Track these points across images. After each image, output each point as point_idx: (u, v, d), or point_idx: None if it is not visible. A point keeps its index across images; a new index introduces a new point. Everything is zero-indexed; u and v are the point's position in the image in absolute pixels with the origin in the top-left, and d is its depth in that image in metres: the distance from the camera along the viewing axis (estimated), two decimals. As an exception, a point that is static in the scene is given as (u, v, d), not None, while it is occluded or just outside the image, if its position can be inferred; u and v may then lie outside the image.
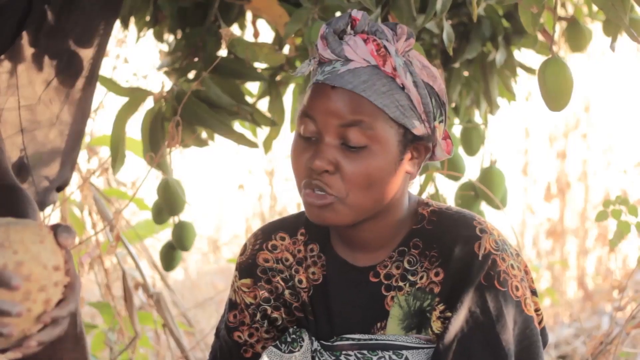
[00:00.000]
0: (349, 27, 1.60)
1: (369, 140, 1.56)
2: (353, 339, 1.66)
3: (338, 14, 2.46)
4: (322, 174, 1.57)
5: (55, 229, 1.41)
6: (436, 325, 1.63)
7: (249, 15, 2.85)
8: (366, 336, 1.66)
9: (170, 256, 2.89)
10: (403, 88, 1.58)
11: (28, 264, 1.36)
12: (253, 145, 2.60)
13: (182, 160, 4.24)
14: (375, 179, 1.57)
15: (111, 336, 3.24)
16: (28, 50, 2.11)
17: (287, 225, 1.76)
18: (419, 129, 1.59)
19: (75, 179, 3.34)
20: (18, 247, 1.36)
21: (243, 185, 5.85)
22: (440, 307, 1.63)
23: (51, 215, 2.96)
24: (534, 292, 1.67)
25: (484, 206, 2.86)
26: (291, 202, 5.88)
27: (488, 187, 2.73)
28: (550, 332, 4.60)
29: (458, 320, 1.60)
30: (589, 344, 2.49)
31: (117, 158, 2.57)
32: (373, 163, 1.57)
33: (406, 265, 1.66)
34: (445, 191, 2.78)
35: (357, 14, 1.60)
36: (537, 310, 1.66)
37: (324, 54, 1.59)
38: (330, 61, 1.59)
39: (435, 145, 1.64)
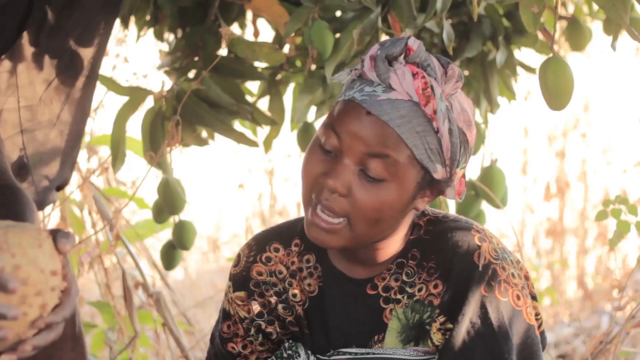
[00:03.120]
0: (402, 57, 1.55)
1: (389, 175, 1.52)
2: (350, 353, 1.65)
3: (338, 13, 2.46)
4: (332, 194, 1.53)
5: (54, 234, 1.41)
6: (437, 337, 1.62)
7: (249, 14, 2.85)
8: (363, 350, 1.65)
9: (170, 255, 2.89)
10: (437, 131, 1.54)
11: (25, 267, 1.35)
12: (253, 144, 2.60)
13: (182, 159, 4.24)
14: (385, 214, 1.54)
15: (111, 335, 3.24)
16: (28, 50, 2.11)
17: (282, 235, 1.73)
18: (439, 173, 1.56)
19: (75, 179, 3.34)
20: (16, 251, 1.36)
21: (243, 184, 5.85)
22: (441, 318, 1.61)
23: (51, 214, 2.96)
24: (534, 297, 1.66)
25: (484, 205, 2.86)
26: (291, 202, 5.88)
27: (488, 186, 2.73)
28: (550, 331, 4.60)
29: (459, 332, 1.59)
30: (589, 344, 2.49)
31: (117, 157, 2.56)
32: (387, 198, 1.53)
33: (404, 277, 1.64)
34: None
35: (413, 43, 1.55)
36: (537, 315, 1.66)
37: (368, 74, 1.55)
38: (371, 81, 1.55)
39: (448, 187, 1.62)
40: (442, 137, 1.53)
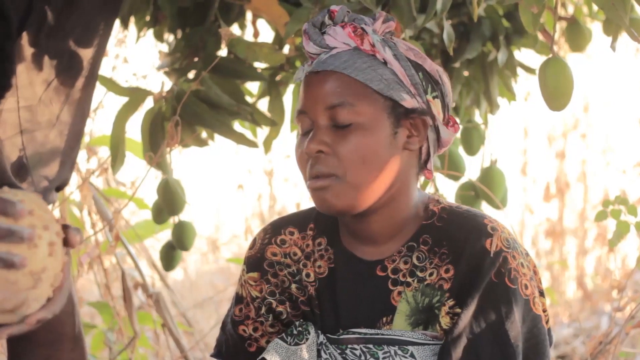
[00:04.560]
0: (327, 19, 1.65)
1: (356, 116, 1.59)
2: (359, 333, 1.67)
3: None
4: (318, 157, 1.60)
5: (65, 227, 1.39)
6: (445, 321, 1.64)
7: (249, 15, 2.85)
8: (372, 331, 1.66)
9: (170, 256, 2.88)
10: (385, 63, 1.61)
11: (29, 203, 1.31)
12: (253, 145, 2.60)
13: (182, 160, 4.24)
14: (369, 153, 1.59)
15: (110, 336, 3.24)
16: (28, 51, 2.11)
17: (298, 220, 1.77)
18: (409, 101, 1.62)
19: (74, 179, 3.34)
20: (17, 191, 1.33)
21: (242, 185, 5.86)
22: (450, 302, 1.63)
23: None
24: (541, 293, 1.68)
25: (484, 206, 2.86)
26: (290, 202, 5.89)
27: (488, 187, 2.73)
28: (549, 331, 4.60)
29: (467, 316, 1.61)
30: (588, 344, 2.50)
31: (116, 158, 2.56)
32: (364, 138, 1.59)
33: (415, 261, 1.66)
34: (446, 191, 2.78)
35: (335, 7, 1.65)
36: (544, 310, 1.67)
37: (308, 48, 1.65)
38: (317, 55, 1.65)
39: (434, 120, 1.65)
40: (392, 65, 1.61)
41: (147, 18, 2.79)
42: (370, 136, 1.59)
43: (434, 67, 1.66)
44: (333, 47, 1.63)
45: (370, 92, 1.60)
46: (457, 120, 1.76)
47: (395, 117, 1.61)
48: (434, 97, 1.65)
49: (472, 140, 2.88)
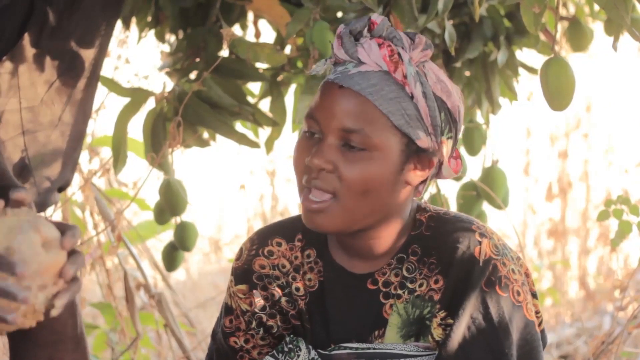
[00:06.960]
0: (366, 30, 1.59)
1: (369, 146, 1.55)
2: (351, 348, 1.65)
3: (340, 14, 2.47)
4: (319, 173, 1.56)
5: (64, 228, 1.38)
6: (437, 332, 1.62)
7: (250, 15, 2.85)
8: (364, 345, 1.65)
9: (172, 256, 2.88)
10: (412, 97, 1.56)
11: (29, 248, 1.32)
12: (254, 145, 2.60)
13: (184, 160, 4.24)
14: (373, 186, 1.56)
15: (113, 337, 3.24)
16: (30, 52, 2.11)
17: (284, 230, 1.74)
18: (424, 140, 1.58)
19: (76, 180, 3.34)
20: (20, 216, 1.32)
21: (244, 185, 5.86)
22: (441, 314, 1.62)
23: (53, 215, 2.96)
24: (534, 295, 1.66)
25: (485, 206, 2.86)
26: (292, 203, 5.89)
27: (490, 187, 2.73)
28: (551, 331, 4.60)
29: (460, 327, 1.60)
30: (591, 344, 2.50)
31: (118, 158, 2.57)
32: (372, 169, 1.55)
33: (405, 272, 1.65)
34: (447, 191, 2.78)
35: (377, 18, 1.59)
36: (537, 312, 1.66)
37: (338, 53, 1.59)
38: (343, 62, 1.59)
39: (441, 162, 1.63)
40: (418, 102, 1.56)
41: (149, 18, 2.80)
42: (377, 168, 1.55)
43: (456, 103, 1.61)
44: (363, 61, 1.57)
45: (389, 125, 1.55)
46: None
47: (407, 154, 1.57)
48: (447, 138, 1.61)
49: (474, 140, 2.88)
